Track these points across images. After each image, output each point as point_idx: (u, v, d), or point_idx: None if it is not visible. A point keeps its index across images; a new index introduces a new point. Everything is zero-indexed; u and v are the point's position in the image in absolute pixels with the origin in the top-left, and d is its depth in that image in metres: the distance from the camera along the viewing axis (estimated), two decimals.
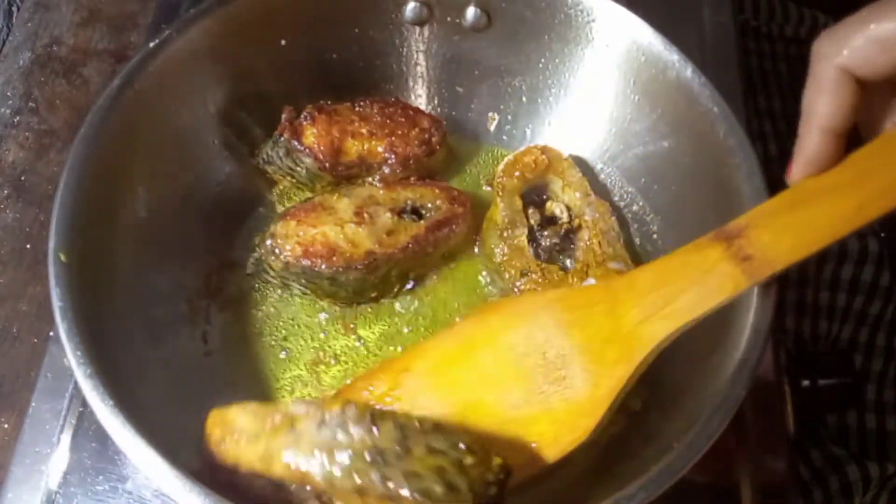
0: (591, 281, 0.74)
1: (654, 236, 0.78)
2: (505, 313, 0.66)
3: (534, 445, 0.58)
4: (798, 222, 0.58)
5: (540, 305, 0.65)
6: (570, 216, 0.79)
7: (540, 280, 0.74)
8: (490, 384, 0.61)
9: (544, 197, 0.81)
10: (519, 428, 0.59)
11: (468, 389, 0.61)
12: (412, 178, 0.80)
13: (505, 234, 0.76)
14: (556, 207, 0.80)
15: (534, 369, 0.61)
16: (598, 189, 0.81)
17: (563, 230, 0.79)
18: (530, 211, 0.79)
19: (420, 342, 0.72)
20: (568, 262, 0.79)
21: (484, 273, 0.79)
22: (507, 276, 0.75)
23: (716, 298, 0.58)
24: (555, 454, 0.58)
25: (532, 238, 0.78)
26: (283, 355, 0.75)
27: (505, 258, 0.76)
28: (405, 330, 0.77)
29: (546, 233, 0.79)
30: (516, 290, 0.74)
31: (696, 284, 0.59)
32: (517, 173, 0.79)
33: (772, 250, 0.57)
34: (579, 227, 0.78)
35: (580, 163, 0.82)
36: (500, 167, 0.80)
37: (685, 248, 0.61)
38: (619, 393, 0.59)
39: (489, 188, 0.83)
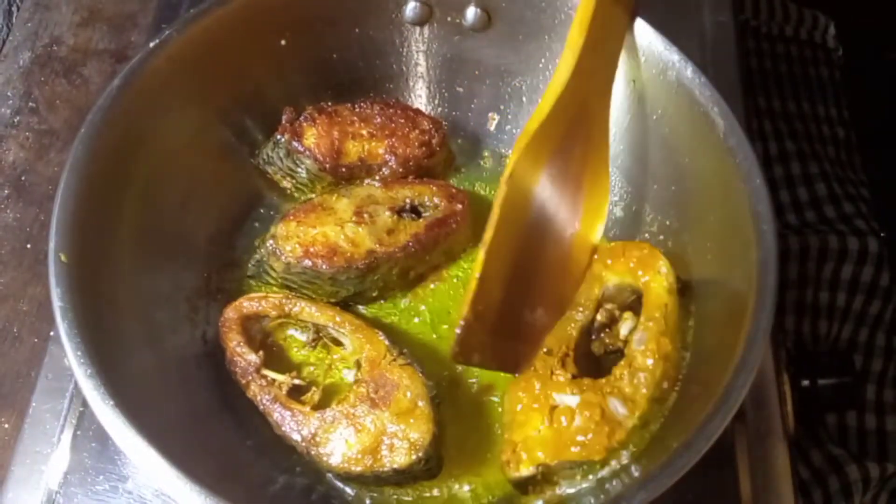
0: (576, 399, 0.66)
1: (655, 236, 0.78)
2: None
3: None
4: None
5: None
6: (626, 337, 0.71)
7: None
8: None
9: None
10: None
11: None
12: (410, 177, 0.80)
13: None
14: (623, 325, 0.71)
15: None
16: None
17: (612, 345, 0.72)
18: (608, 306, 0.72)
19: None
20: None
21: None
22: None
23: None
24: None
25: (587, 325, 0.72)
26: None
27: None
28: (406, 329, 0.77)
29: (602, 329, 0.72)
30: None
31: None
32: (609, 261, 0.73)
33: None
34: (622, 352, 0.70)
35: None
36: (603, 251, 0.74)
37: None
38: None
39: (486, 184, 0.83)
